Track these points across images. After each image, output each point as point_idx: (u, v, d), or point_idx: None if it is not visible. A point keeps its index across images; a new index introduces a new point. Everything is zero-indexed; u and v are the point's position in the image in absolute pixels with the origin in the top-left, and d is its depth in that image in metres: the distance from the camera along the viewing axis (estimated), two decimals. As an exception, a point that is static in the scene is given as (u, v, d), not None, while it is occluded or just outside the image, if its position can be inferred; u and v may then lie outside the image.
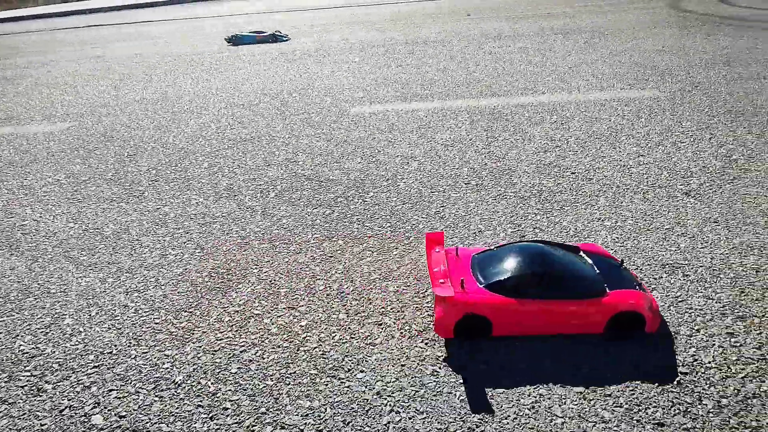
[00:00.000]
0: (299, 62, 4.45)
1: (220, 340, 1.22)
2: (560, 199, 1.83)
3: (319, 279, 1.46)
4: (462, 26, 6.02)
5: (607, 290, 1.15)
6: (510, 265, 1.16)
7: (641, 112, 2.54)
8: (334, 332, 1.23)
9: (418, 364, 1.11)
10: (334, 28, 6.62)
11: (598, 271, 1.19)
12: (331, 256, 1.56)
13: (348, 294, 1.37)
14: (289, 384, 1.08)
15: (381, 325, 1.24)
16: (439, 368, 1.09)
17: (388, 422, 0.98)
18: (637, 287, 1.18)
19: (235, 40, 6.12)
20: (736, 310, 1.21)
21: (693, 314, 1.22)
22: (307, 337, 1.22)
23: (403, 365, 1.11)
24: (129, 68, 5.02)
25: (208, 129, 2.95)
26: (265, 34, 6.10)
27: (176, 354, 1.17)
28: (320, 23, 7.51)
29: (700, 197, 1.75)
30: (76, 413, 1.03)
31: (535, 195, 1.87)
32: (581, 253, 1.27)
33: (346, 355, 1.15)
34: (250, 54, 5.27)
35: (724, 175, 1.85)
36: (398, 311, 1.27)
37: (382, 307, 1.30)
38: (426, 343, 1.16)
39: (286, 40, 5.98)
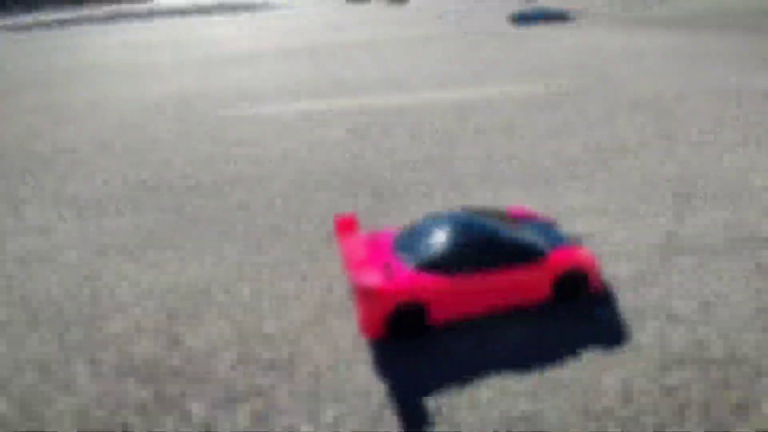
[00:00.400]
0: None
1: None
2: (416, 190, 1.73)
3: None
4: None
5: (545, 251, 0.96)
6: (441, 238, 0.92)
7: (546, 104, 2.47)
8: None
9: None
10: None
11: (530, 231, 1.00)
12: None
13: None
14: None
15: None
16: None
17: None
18: (572, 241, 1.00)
19: (523, 17, 5.61)
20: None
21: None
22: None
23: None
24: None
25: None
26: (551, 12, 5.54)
27: None
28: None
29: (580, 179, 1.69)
30: None
31: (388, 189, 1.75)
32: (509, 218, 1.06)
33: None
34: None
35: (609, 161, 1.79)
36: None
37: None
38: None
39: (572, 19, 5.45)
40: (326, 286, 1.20)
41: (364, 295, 0.80)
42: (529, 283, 0.89)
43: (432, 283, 0.80)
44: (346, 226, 0.98)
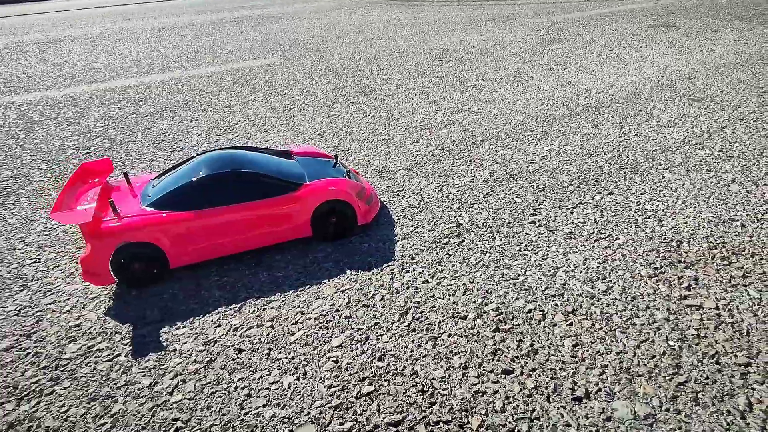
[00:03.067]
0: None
1: None
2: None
3: None
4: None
5: (303, 181, 0.81)
6: (186, 176, 0.78)
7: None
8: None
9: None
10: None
11: (298, 164, 0.86)
12: None
13: None
14: None
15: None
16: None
17: None
18: (345, 173, 0.86)
19: None
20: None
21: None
22: None
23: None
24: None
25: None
26: None
27: None
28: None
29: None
30: None
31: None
32: (291, 157, 0.92)
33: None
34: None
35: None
36: None
37: None
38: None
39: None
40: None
41: (89, 238, 0.65)
42: (285, 219, 0.74)
43: (164, 220, 0.66)
44: (91, 171, 0.81)
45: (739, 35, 2.32)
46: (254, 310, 0.70)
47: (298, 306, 0.71)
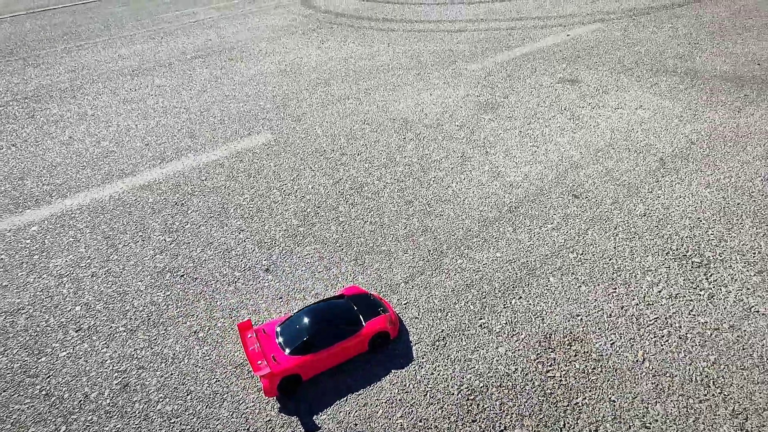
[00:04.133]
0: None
1: None
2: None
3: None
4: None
5: (363, 323, 1.56)
6: (300, 330, 1.50)
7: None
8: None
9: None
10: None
11: (356, 308, 1.59)
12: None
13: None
14: None
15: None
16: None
17: None
18: (381, 310, 1.61)
19: None
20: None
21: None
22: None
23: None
24: None
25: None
26: None
27: None
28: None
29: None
30: None
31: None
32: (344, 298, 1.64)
33: None
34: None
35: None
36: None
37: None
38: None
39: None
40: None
41: (263, 377, 1.41)
42: (356, 346, 1.49)
43: (301, 362, 1.45)
44: (245, 328, 1.54)
45: (636, 94, 3.10)
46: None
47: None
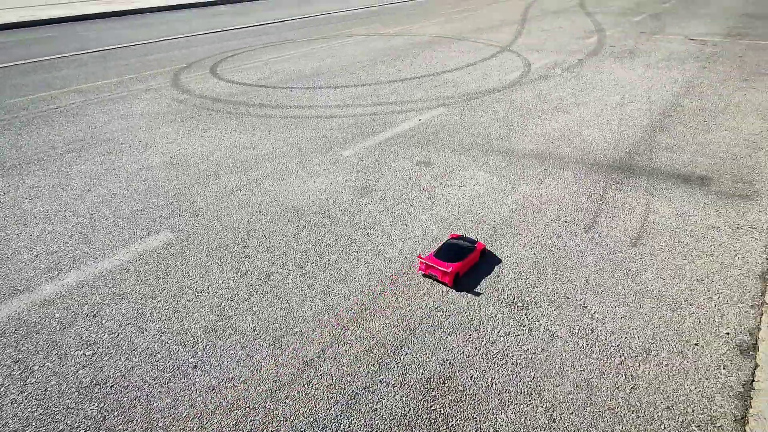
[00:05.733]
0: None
1: None
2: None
3: None
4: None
5: (474, 246, 2.81)
6: (451, 252, 2.69)
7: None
8: None
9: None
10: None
11: (466, 241, 2.84)
12: None
13: None
14: None
15: None
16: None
17: None
18: (475, 241, 2.87)
19: None
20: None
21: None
22: None
23: None
24: None
25: None
26: None
27: None
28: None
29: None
30: None
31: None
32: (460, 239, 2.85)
33: None
34: None
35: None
36: None
37: None
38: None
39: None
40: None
41: (446, 276, 2.54)
42: (475, 256, 2.76)
43: (458, 265, 2.56)
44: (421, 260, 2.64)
45: (473, 173, 4.00)
46: None
47: None
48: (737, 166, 3.94)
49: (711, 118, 5.02)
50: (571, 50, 8.33)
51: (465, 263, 2.64)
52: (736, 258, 2.82)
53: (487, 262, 2.81)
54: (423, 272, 2.67)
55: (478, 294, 2.58)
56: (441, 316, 2.45)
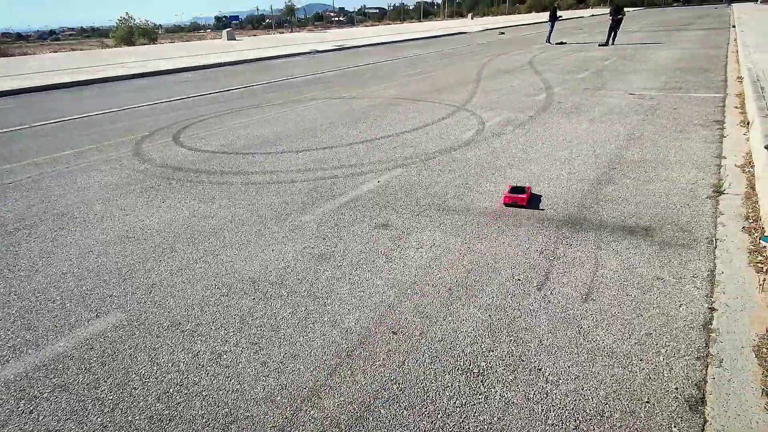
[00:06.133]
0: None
1: None
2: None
3: None
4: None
5: (527, 190, 4.45)
6: (516, 188, 4.51)
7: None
8: None
9: None
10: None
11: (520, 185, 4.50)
12: None
13: None
14: None
15: None
16: None
17: None
18: (526, 188, 4.49)
19: None
20: None
21: None
22: None
23: None
24: None
25: None
26: None
27: None
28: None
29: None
30: None
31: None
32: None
33: None
34: None
35: None
36: None
37: None
38: None
39: None
40: None
41: (522, 200, 4.20)
42: (529, 198, 4.31)
43: (527, 195, 4.26)
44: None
45: (431, 234, 4.08)
46: None
47: None
48: (677, 215, 4.17)
49: (652, 169, 5.34)
50: (522, 107, 8.85)
51: (528, 194, 4.34)
52: (681, 309, 2.93)
53: (533, 198, 4.36)
54: (506, 203, 4.27)
55: (542, 210, 4.19)
56: (397, 388, 2.41)
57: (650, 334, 2.73)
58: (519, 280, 3.31)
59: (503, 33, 33.31)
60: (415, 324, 2.90)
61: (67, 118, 9.97)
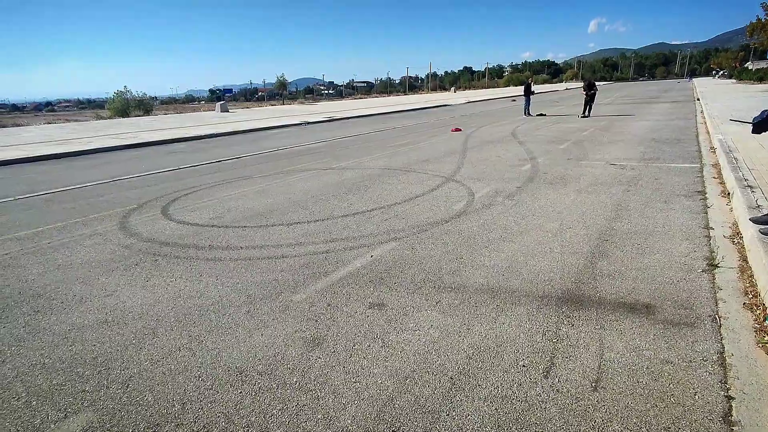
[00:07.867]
0: None
1: None
2: None
3: None
4: None
5: None
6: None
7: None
8: None
9: None
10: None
11: None
12: None
13: None
14: None
15: None
16: None
17: None
18: None
19: None
20: None
21: None
22: None
23: None
24: None
25: None
26: None
27: None
28: None
29: None
30: None
31: None
32: None
33: None
34: None
35: None
36: None
37: None
38: None
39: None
40: None
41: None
42: None
43: None
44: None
45: (427, 314, 3.93)
46: None
47: None
48: (676, 290, 4.11)
49: (643, 240, 5.36)
50: (509, 178, 9.05)
51: None
52: (696, 398, 2.77)
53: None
54: None
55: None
56: (400, 503, 2.16)
57: (668, 428, 2.55)
58: (524, 366, 3.14)
59: (515, 100, 37.16)
60: (416, 420, 2.68)
61: (54, 190, 9.88)
